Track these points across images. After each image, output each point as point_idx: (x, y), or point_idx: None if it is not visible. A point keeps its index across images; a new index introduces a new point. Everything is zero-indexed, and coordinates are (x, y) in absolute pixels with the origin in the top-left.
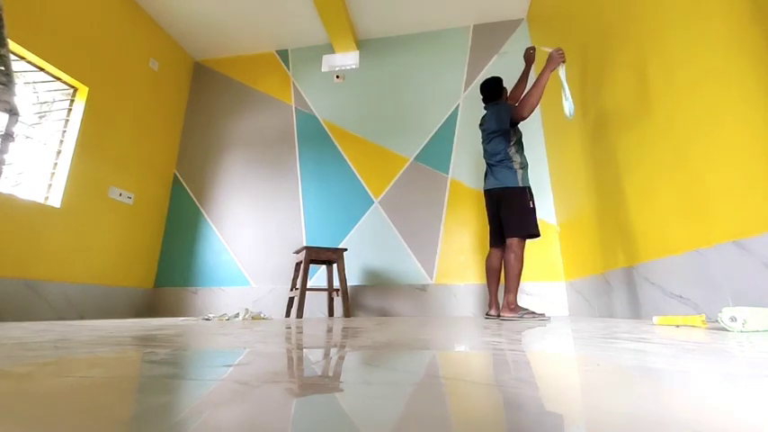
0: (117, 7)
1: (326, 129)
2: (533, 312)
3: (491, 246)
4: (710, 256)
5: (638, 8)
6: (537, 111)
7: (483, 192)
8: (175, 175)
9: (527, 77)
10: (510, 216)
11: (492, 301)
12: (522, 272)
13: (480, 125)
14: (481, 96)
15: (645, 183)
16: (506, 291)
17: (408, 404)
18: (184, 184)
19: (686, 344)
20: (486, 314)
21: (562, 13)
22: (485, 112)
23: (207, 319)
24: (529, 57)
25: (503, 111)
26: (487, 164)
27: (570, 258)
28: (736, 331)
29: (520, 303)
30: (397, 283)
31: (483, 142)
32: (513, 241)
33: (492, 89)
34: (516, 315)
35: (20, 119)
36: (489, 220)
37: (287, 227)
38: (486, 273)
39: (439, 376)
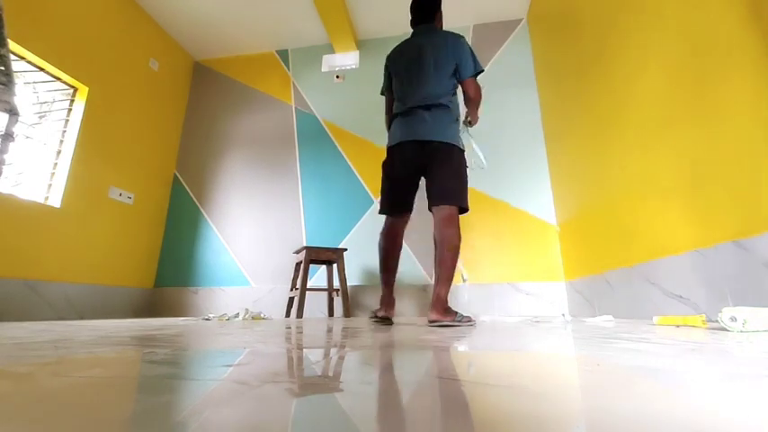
0: (117, 7)
1: (326, 129)
2: (465, 316)
3: (394, 215)
4: (710, 256)
5: (638, 8)
6: (536, 110)
7: (404, 142)
8: (175, 175)
9: None
10: (452, 179)
11: (390, 298)
12: (519, 270)
13: (421, 53)
14: (417, 15)
15: (645, 182)
16: (443, 283)
17: (408, 404)
18: (184, 184)
19: (686, 344)
20: (383, 317)
21: (562, 13)
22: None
23: (207, 319)
24: None
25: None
26: (422, 106)
27: (570, 258)
28: (736, 331)
29: (516, 304)
30: (398, 283)
31: (419, 77)
32: (453, 211)
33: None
34: (453, 320)
35: (20, 119)
36: (402, 180)
37: (287, 227)
38: (391, 253)
39: (439, 376)
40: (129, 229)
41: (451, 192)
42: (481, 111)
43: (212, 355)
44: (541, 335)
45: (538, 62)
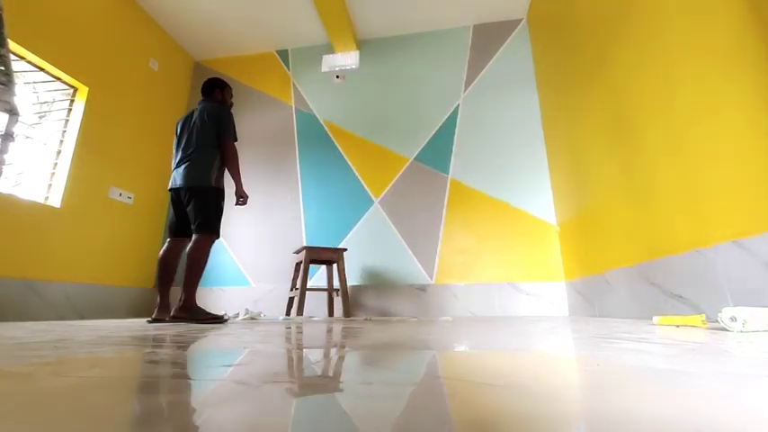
0: (117, 7)
1: (326, 129)
2: (210, 313)
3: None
4: (710, 256)
5: (638, 7)
6: (536, 110)
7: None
8: None
9: None
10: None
11: (165, 303)
12: (519, 271)
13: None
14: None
15: (645, 182)
16: (188, 286)
17: (408, 404)
18: None
19: (686, 344)
20: (155, 318)
21: (562, 13)
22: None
23: None
24: None
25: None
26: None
27: (570, 258)
28: (736, 331)
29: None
30: (397, 283)
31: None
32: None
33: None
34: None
35: (20, 119)
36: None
37: (287, 227)
38: (164, 268)
39: (439, 376)
40: (129, 229)
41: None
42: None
43: (212, 355)
44: (541, 335)
45: (538, 62)
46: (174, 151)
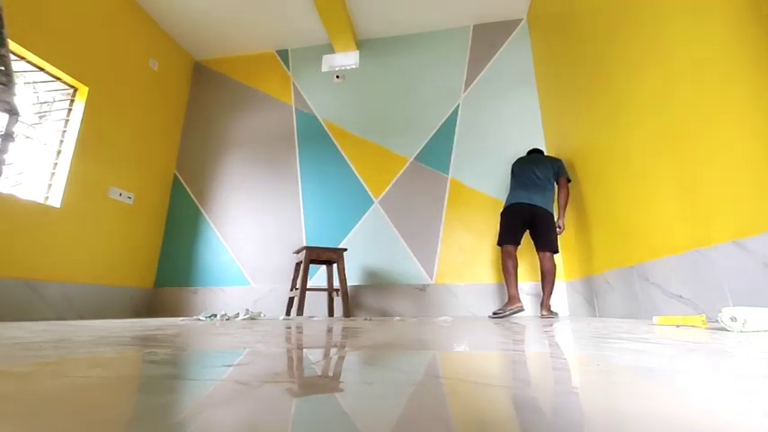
0: (117, 7)
1: (326, 129)
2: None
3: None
4: (710, 256)
5: (637, 7)
6: (536, 109)
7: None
8: (175, 175)
9: None
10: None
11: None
12: (520, 272)
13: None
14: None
15: (645, 183)
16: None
17: (408, 404)
18: (184, 184)
19: (686, 344)
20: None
21: (562, 13)
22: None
23: (199, 320)
24: None
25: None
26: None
27: (570, 258)
28: (737, 331)
29: (522, 303)
30: (397, 283)
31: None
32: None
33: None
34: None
35: (20, 119)
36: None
37: (287, 227)
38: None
39: (439, 376)
40: (129, 229)
41: None
42: None
43: (212, 355)
44: (541, 335)
45: (538, 62)
46: None
